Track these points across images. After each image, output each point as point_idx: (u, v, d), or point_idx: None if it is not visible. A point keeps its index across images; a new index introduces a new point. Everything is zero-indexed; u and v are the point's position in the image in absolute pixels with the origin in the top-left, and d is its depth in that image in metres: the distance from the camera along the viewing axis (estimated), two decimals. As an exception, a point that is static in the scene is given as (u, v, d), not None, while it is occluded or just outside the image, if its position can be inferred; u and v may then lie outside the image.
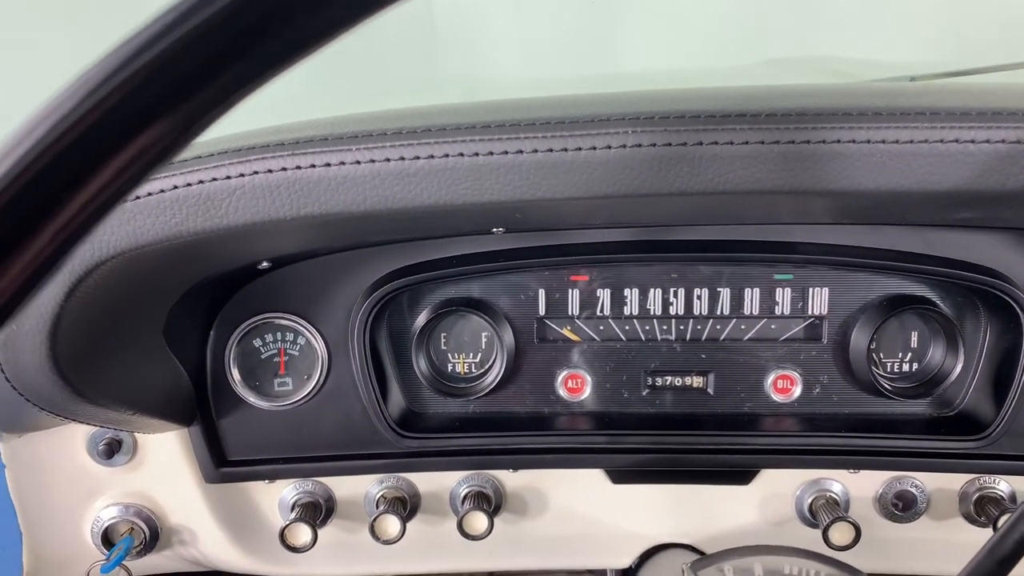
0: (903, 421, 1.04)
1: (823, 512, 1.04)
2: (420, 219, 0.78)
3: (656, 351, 1.05)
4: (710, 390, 1.06)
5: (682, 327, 1.05)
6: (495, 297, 1.04)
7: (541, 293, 1.04)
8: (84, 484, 1.07)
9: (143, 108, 0.26)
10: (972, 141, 0.64)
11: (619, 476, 1.10)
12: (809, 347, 1.04)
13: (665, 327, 1.05)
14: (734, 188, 0.67)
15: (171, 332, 0.94)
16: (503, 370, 1.03)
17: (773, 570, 0.58)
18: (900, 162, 0.65)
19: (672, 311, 1.04)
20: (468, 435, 1.04)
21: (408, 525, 1.06)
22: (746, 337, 1.04)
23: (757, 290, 1.03)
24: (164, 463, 1.06)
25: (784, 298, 1.03)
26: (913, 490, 1.07)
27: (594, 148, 0.65)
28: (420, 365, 1.04)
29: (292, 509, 1.08)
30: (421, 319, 1.03)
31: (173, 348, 0.95)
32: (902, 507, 1.07)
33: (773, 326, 1.04)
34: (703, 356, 1.05)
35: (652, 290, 1.03)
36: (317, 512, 1.07)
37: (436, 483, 1.10)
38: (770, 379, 1.04)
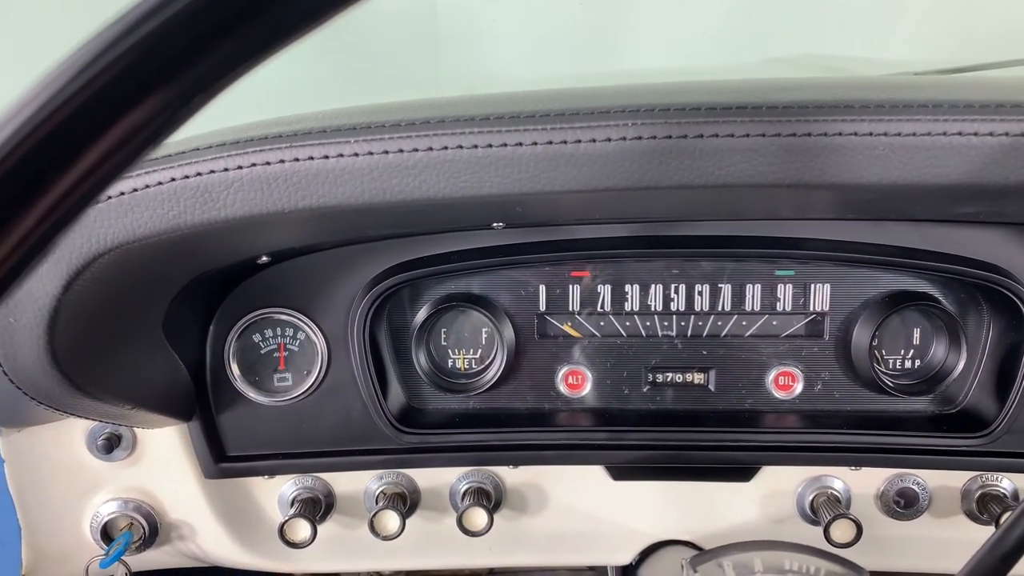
0: (905, 418, 1.04)
1: (824, 509, 1.04)
2: (419, 213, 0.77)
3: (657, 347, 1.05)
4: (711, 386, 1.05)
5: (683, 323, 1.04)
6: (495, 293, 1.03)
7: (542, 289, 1.03)
8: (83, 479, 1.07)
9: (133, 87, 0.26)
10: (975, 134, 0.64)
11: (620, 472, 1.09)
12: (811, 343, 1.03)
13: (666, 323, 1.04)
14: (734, 181, 0.66)
15: (170, 327, 0.93)
16: (503, 366, 1.02)
17: (773, 565, 0.58)
18: (902, 155, 0.65)
19: (673, 307, 1.04)
20: (468, 431, 1.04)
21: (408, 521, 1.06)
22: (747, 333, 1.04)
23: (759, 286, 1.02)
24: (163, 458, 1.06)
25: (786, 294, 1.02)
26: (915, 487, 1.07)
27: (594, 140, 0.65)
28: (420, 361, 1.04)
29: (291, 505, 1.07)
30: (421, 314, 1.02)
31: (172, 343, 0.95)
32: (904, 504, 1.07)
33: (775, 322, 1.03)
34: (704, 352, 1.05)
35: (653, 286, 1.03)
36: (317, 508, 1.07)
37: (436, 479, 1.10)
38: (771, 375, 1.04)
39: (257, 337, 1.03)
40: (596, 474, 1.09)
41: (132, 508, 1.07)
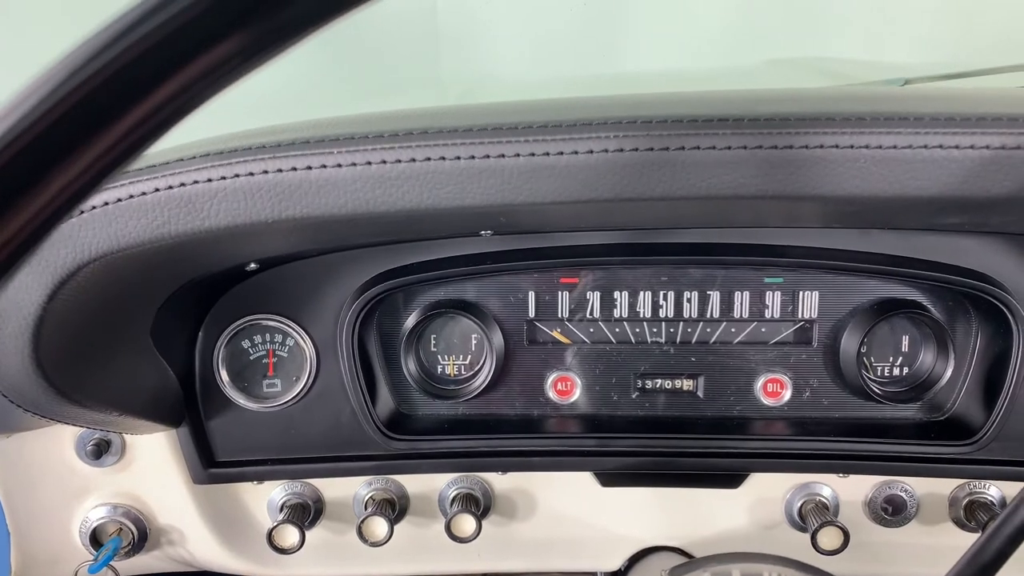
0: (893, 425, 1.04)
1: (812, 516, 1.04)
2: (405, 222, 0.77)
3: (646, 354, 1.05)
4: (700, 393, 1.05)
5: (672, 330, 1.04)
6: (485, 299, 1.03)
7: (531, 295, 1.03)
8: (72, 484, 1.07)
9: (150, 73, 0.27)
10: (956, 147, 0.64)
11: (608, 479, 1.09)
12: (799, 351, 1.04)
13: (655, 330, 1.04)
14: (717, 193, 0.66)
15: (159, 333, 0.93)
16: (492, 372, 1.03)
17: (752, 577, 0.58)
18: (884, 168, 0.65)
19: (662, 314, 1.04)
20: (457, 437, 1.04)
21: (396, 527, 1.06)
22: (736, 340, 1.04)
23: (747, 293, 1.02)
24: (153, 464, 1.06)
25: (774, 301, 1.02)
26: (903, 495, 1.07)
27: (576, 152, 0.65)
28: (409, 367, 1.04)
29: (280, 510, 1.08)
30: (410, 321, 1.03)
31: (161, 349, 0.95)
32: (892, 511, 1.07)
33: (763, 329, 1.03)
34: (693, 359, 1.05)
35: (642, 293, 1.03)
36: (306, 513, 1.07)
37: (425, 485, 1.10)
38: (760, 382, 1.04)
39: (246, 343, 1.04)
40: (585, 480, 1.10)
41: (121, 513, 1.07)
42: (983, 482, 1.05)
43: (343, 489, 1.10)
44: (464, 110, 0.70)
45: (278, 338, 1.04)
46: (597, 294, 1.03)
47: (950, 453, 1.00)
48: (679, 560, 1.09)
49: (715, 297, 1.03)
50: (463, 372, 1.07)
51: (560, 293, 1.04)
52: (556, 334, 1.05)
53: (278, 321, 1.02)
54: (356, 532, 1.03)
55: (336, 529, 1.12)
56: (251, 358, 1.04)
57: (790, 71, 1.80)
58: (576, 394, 1.06)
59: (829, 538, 1.01)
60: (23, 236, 0.28)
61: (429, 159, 0.66)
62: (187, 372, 1.02)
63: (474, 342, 1.06)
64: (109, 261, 0.73)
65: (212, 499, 1.09)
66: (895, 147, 0.64)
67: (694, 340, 1.04)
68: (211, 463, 1.05)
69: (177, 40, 0.27)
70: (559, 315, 1.04)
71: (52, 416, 0.85)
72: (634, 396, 1.06)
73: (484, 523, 1.06)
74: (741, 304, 1.03)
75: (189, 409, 1.03)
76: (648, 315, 1.04)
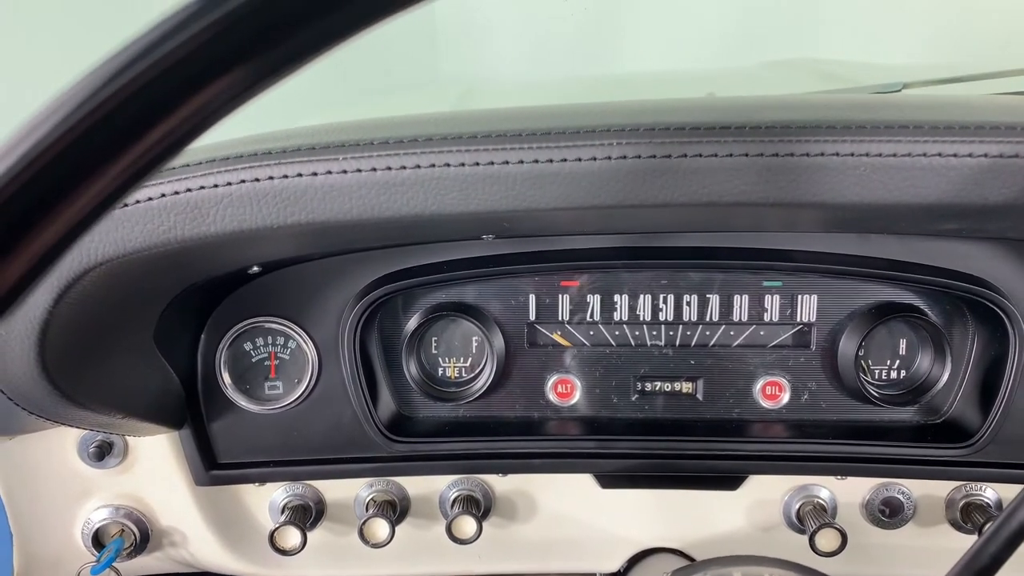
0: (890, 428, 1.05)
1: (810, 518, 1.05)
2: (409, 227, 0.78)
3: (646, 357, 1.06)
4: (699, 396, 1.06)
5: (672, 333, 1.05)
6: (486, 302, 1.04)
7: (532, 298, 1.04)
8: (75, 486, 1.08)
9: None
10: (955, 155, 0.65)
11: (608, 481, 1.10)
12: (798, 354, 1.04)
13: (655, 333, 1.05)
14: (718, 200, 0.67)
15: (162, 336, 0.94)
16: (493, 375, 1.03)
17: (753, 580, 0.59)
18: (883, 175, 0.66)
19: (662, 317, 1.04)
20: (458, 439, 1.05)
21: (397, 529, 1.06)
22: (735, 343, 1.05)
23: (746, 297, 1.03)
24: (155, 466, 1.07)
25: (773, 305, 1.03)
26: (900, 496, 1.08)
27: (579, 159, 0.66)
28: (410, 369, 1.05)
29: (282, 512, 1.08)
30: (412, 323, 1.03)
31: (164, 352, 0.95)
32: (889, 513, 1.08)
33: (762, 332, 1.04)
34: (692, 362, 1.06)
35: (642, 296, 1.04)
36: (307, 515, 1.08)
37: (426, 487, 1.11)
38: (759, 385, 1.05)
39: (248, 346, 1.04)
40: (585, 482, 1.10)
41: (123, 515, 1.08)
42: (980, 484, 1.06)
43: (344, 491, 1.11)
44: (468, 116, 0.71)
45: (280, 341, 1.04)
46: (597, 297, 1.04)
47: (947, 456, 1.01)
48: (679, 562, 1.10)
49: (714, 300, 1.03)
50: (464, 374, 1.07)
51: (560, 296, 1.04)
52: (556, 337, 1.06)
53: (280, 324, 1.03)
54: (358, 534, 1.04)
55: (337, 531, 1.12)
56: (253, 360, 1.04)
57: (787, 73, 1.81)
58: (576, 396, 1.06)
59: (827, 540, 1.01)
60: (51, 242, 0.29)
61: (434, 166, 0.67)
62: (190, 374, 1.03)
63: (475, 344, 1.07)
64: (115, 265, 0.74)
65: (214, 501, 1.10)
66: (895, 155, 0.65)
67: (693, 343, 1.05)
68: (213, 465, 1.05)
69: (195, 62, 0.28)
70: (559, 318, 1.05)
71: (56, 418, 0.85)
72: (634, 398, 1.07)
73: (484, 525, 1.06)
74: (740, 307, 1.03)
75: (191, 411, 1.03)
76: (648, 318, 1.04)
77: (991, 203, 0.66)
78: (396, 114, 0.76)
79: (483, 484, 1.10)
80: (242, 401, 1.04)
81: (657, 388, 1.06)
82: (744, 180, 0.66)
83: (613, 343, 1.05)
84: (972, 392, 1.01)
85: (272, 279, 1.01)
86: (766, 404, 1.05)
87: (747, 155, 0.65)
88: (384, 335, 1.05)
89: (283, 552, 1.04)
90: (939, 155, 0.65)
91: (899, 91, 1.25)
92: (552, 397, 1.06)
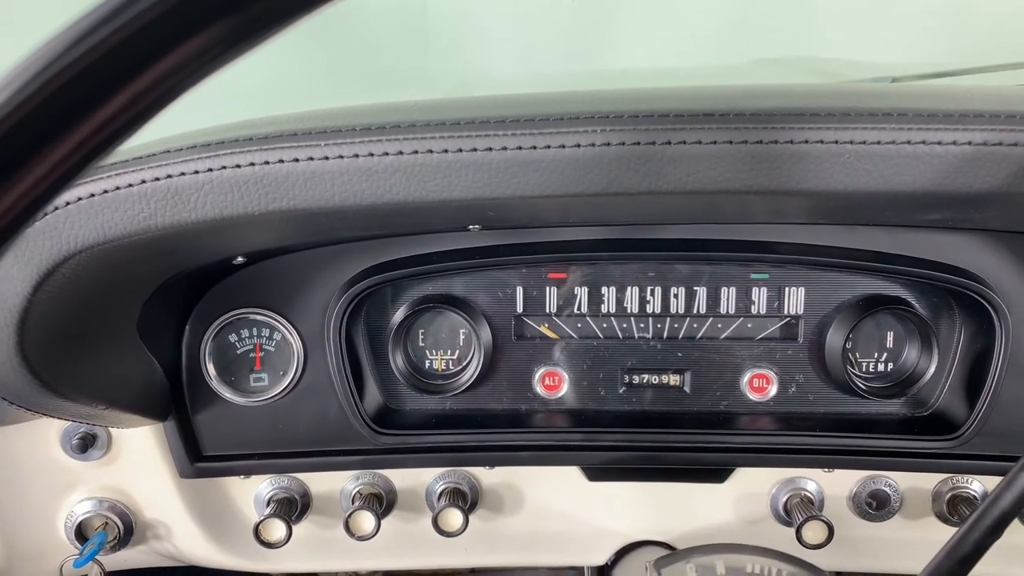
0: (878, 421, 1.05)
1: (797, 511, 1.05)
2: (392, 215, 0.77)
3: (633, 349, 1.05)
4: (686, 388, 1.06)
5: (659, 325, 1.05)
6: (473, 294, 1.03)
7: (519, 290, 1.04)
8: (58, 479, 1.07)
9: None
10: (939, 143, 0.65)
11: (595, 473, 1.10)
12: (785, 346, 1.04)
13: (642, 325, 1.05)
14: (701, 188, 0.67)
15: (145, 327, 0.93)
16: (480, 367, 1.03)
17: (735, 568, 0.58)
18: (868, 163, 0.66)
19: (649, 309, 1.04)
20: (445, 432, 1.04)
21: (384, 521, 1.06)
22: (722, 336, 1.04)
23: (733, 289, 1.03)
24: (139, 458, 1.06)
25: (760, 297, 1.03)
26: (887, 489, 1.08)
27: (563, 146, 0.65)
28: (397, 362, 1.04)
29: (267, 504, 1.08)
30: (398, 315, 1.03)
31: (147, 343, 0.94)
32: (876, 506, 1.08)
33: (749, 325, 1.04)
34: (680, 354, 1.05)
35: (629, 288, 1.03)
36: (292, 508, 1.07)
37: (412, 479, 1.10)
38: (746, 378, 1.05)
39: (233, 337, 1.03)
40: (572, 475, 1.10)
41: (107, 507, 1.07)
42: (966, 477, 1.06)
43: (330, 483, 1.10)
44: (451, 103, 0.70)
45: (265, 332, 1.03)
46: (585, 289, 1.04)
47: (933, 448, 1.01)
48: (660, 555, 1.10)
49: (702, 293, 1.03)
50: (451, 367, 1.07)
51: (548, 288, 1.04)
52: (544, 329, 1.05)
53: (265, 315, 1.02)
54: (343, 526, 1.03)
55: (323, 523, 1.12)
56: (238, 352, 1.04)
57: (779, 69, 1.80)
58: (564, 389, 1.06)
59: (814, 532, 1.01)
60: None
61: (416, 152, 0.67)
62: (174, 366, 1.02)
63: (462, 337, 1.07)
64: (95, 253, 0.73)
65: (198, 493, 1.09)
66: (879, 142, 0.65)
67: (681, 336, 1.05)
68: (198, 457, 1.05)
69: (157, 27, 0.27)
70: (547, 310, 1.04)
71: (37, 409, 0.85)
72: (621, 391, 1.06)
73: (471, 517, 1.06)
74: (727, 300, 1.03)
75: (176, 403, 1.02)
76: (635, 310, 1.04)
77: (975, 191, 0.66)
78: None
79: (470, 477, 1.10)
80: (227, 393, 1.03)
81: (644, 381, 1.06)
82: (728, 167, 0.66)
83: (600, 335, 1.05)
84: (958, 384, 1.01)
85: (257, 270, 1.00)
86: (753, 397, 1.05)
87: (731, 142, 0.65)
88: (370, 327, 1.04)
89: (268, 545, 1.03)
90: (923, 143, 0.64)
91: (888, 84, 1.25)
92: (539, 390, 1.06)
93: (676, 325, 1.04)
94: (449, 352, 1.07)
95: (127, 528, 1.07)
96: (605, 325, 1.05)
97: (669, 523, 1.12)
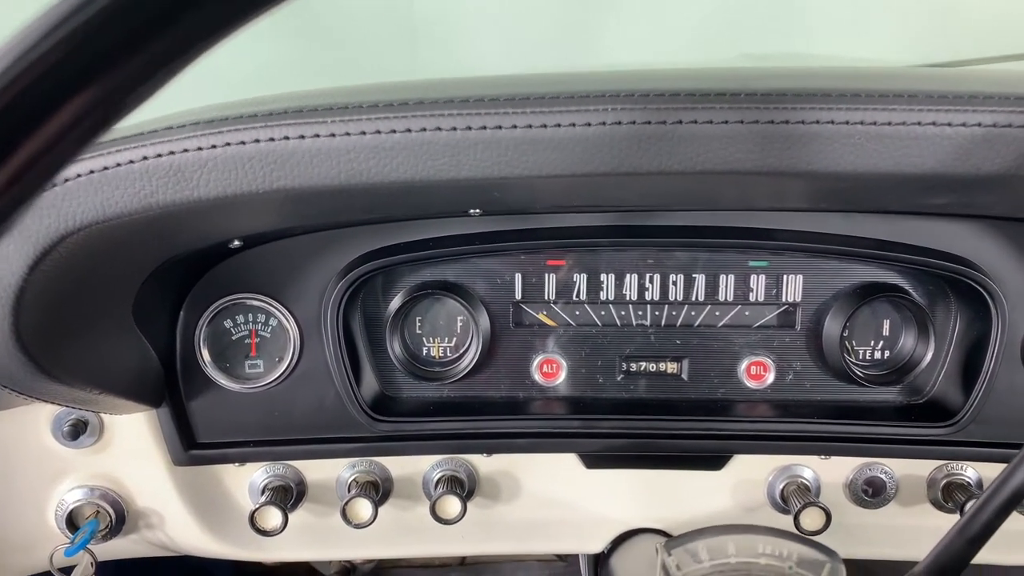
0: (874, 408, 1.05)
1: (794, 498, 1.05)
2: (395, 196, 0.76)
3: (631, 337, 1.05)
4: (684, 376, 1.06)
5: (657, 313, 1.05)
6: (471, 281, 1.03)
7: (517, 277, 1.03)
8: (48, 466, 1.05)
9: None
10: (949, 124, 0.65)
11: (593, 461, 1.09)
12: (783, 334, 1.04)
13: (640, 313, 1.05)
14: (712, 168, 0.66)
15: (140, 311, 0.92)
16: (478, 354, 1.02)
17: (747, 548, 0.58)
18: (878, 144, 0.66)
19: (648, 296, 1.04)
20: (442, 419, 1.04)
21: (380, 510, 1.05)
22: (720, 323, 1.04)
23: (732, 276, 1.03)
24: (131, 445, 1.04)
25: (759, 285, 1.03)
26: (882, 476, 1.08)
27: (573, 125, 0.65)
28: (394, 349, 1.03)
29: (262, 492, 1.06)
30: (396, 302, 1.02)
31: (142, 327, 0.93)
32: (871, 493, 1.08)
33: (747, 313, 1.04)
34: (678, 342, 1.05)
35: (628, 275, 1.03)
36: (288, 496, 1.06)
37: (409, 467, 1.09)
38: (743, 365, 1.05)
39: (228, 323, 1.02)
40: (569, 462, 1.10)
41: (98, 496, 1.05)
42: (961, 463, 1.07)
43: (325, 471, 1.09)
44: (460, 82, 0.70)
45: (261, 318, 1.02)
46: (583, 276, 1.03)
47: (929, 435, 1.01)
48: (664, 540, 1.10)
49: (700, 280, 1.03)
50: (448, 354, 1.06)
51: (546, 275, 1.03)
52: (542, 316, 1.05)
53: (261, 301, 1.01)
54: (340, 514, 1.02)
55: (318, 512, 1.10)
56: (233, 338, 1.02)
57: (764, 65, 1.81)
58: (561, 376, 1.06)
59: (812, 519, 1.02)
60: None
61: (424, 129, 0.66)
62: (168, 351, 1.00)
63: (460, 324, 1.06)
64: (93, 232, 0.71)
65: (192, 481, 1.08)
66: (889, 123, 0.65)
67: (679, 323, 1.05)
68: (192, 444, 1.03)
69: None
70: (545, 297, 1.04)
71: (30, 393, 0.83)
72: (619, 378, 1.06)
73: (468, 505, 1.05)
74: (726, 287, 1.03)
75: (170, 389, 1.01)
76: (634, 298, 1.04)
77: (983, 173, 0.66)
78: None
79: (467, 464, 1.09)
80: (222, 379, 1.02)
81: (642, 368, 1.06)
82: (739, 148, 0.66)
83: (599, 323, 1.05)
84: (954, 372, 1.02)
85: (253, 255, 0.99)
86: (751, 384, 1.05)
87: (742, 122, 0.65)
88: (367, 314, 1.04)
89: (264, 533, 1.02)
90: (933, 124, 0.65)
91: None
92: (537, 377, 1.05)
93: (674, 312, 1.04)
94: (446, 339, 1.06)
95: (119, 517, 1.06)
96: (603, 312, 1.04)
97: (666, 510, 1.12)
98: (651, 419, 1.04)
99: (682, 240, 1.00)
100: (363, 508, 1.03)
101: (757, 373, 1.05)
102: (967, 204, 0.86)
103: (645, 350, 1.05)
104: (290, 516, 1.04)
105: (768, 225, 0.98)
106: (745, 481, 1.10)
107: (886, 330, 1.05)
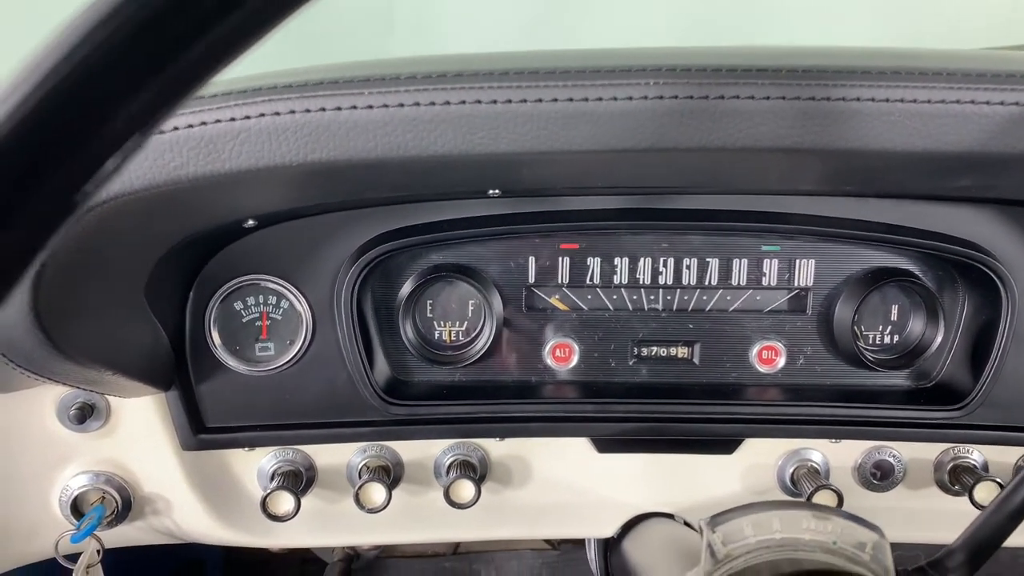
0: (884, 392, 1.06)
1: (805, 481, 1.06)
2: (426, 173, 0.75)
3: (643, 321, 1.05)
4: (696, 360, 1.06)
5: (669, 297, 1.05)
6: (484, 264, 1.02)
7: (531, 261, 1.03)
8: (53, 451, 1.02)
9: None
10: (987, 103, 0.65)
11: (604, 445, 1.09)
12: (794, 318, 1.05)
13: (653, 297, 1.05)
14: (752, 144, 0.66)
15: (152, 291, 0.90)
16: (491, 338, 1.01)
17: (791, 524, 0.59)
18: (917, 121, 0.66)
19: (661, 281, 1.04)
20: (455, 403, 1.03)
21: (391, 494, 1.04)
22: (732, 308, 1.05)
23: (745, 261, 1.03)
24: (138, 429, 1.02)
25: (771, 269, 1.04)
26: (891, 460, 1.09)
27: (614, 99, 0.64)
28: (407, 332, 1.02)
29: (272, 478, 1.05)
30: (408, 285, 1.01)
31: (153, 308, 0.91)
32: (880, 476, 1.09)
33: (759, 297, 1.04)
34: (690, 326, 1.05)
35: (642, 259, 1.03)
36: (298, 481, 1.05)
37: (420, 452, 1.08)
38: (755, 350, 1.05)
39: (239, 305, 1.00)
40: (581, 446, 1.09)
41: (104, 481, 1.03)
42: (967, 447, 1.08)
43: (336, 456, 1.08)
44: (497, 56, 0.69)
45: (272, 300, 1.01)
46: (597, 260, 1.03)
47: (939, 418, 1.02)
48: (674, 527, 1.10)
49: (713, 264, 1.03)
50: (461, 338, 1.05)
51: (560, 259, 1.03)
52: (555, 301, 1.04)
53: (273, 282, 0.99)
54: (353, 498, 1.01)
55: (329, 497, 1.09)
56: (244, 320, 1.01)
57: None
58: (574, 361, 1.05)
59: (824, 501, 1.02)
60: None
61: (464, 102, 0.65)
62: (178, 334, 0.98)
63: (472, 308, 1.05)
64: (117, 205, 0.70)
65: (200, 466, 1.06)
66: (928, 101, 0.65)
67: (691, 307, 1.05)
68: (200, 428, 1.01)
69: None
70: (558, 281, 1.04)
71: (43, 373, 0.80)
72: (631, 363, 1.06)
73: (481, 489, 1.04)
74: (739, 272, 1.04)
75: (179, 372, 0.99)
76: (647, 282, 1.04)
77: (1019, 151, 0.67)
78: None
79: (479, 449, 1.09)
80: (232, 362, 1.00)
81: (654, 353, 1.06)
82: (780, 124, 0.66)
83: (611, 307, 1.05)
84: (963, 356, 1.03)
85: (265, 236, 0.97)
86: (762, 368, 1.05)
87: (783, 98, 0.65)
88: (380, 297, 1.02)
89: (276, 518, 1.00)
90: (972, 102, 0.65)
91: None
92: (550, 361, 1.05)
93: (687, 297, 1.04)
94: (459, 323, 1.05)
95: (125, 503, 1.03)
96: (616, 297, 1.04)
97: (677, 495, 1.12)
98: (663, 403, 1.04)
99: (696, 223, 1.00)
100: (377, 493, 1.02)
101: (768, 357, 1.05)
102: (991, 187, 0.87)
103: (657, 335, 1.05)
104: (302, 501, 1.02)
105: (782, 209, 0.99)
106: (755, 465, 1.11)
107: (895, 315, 1.06)
